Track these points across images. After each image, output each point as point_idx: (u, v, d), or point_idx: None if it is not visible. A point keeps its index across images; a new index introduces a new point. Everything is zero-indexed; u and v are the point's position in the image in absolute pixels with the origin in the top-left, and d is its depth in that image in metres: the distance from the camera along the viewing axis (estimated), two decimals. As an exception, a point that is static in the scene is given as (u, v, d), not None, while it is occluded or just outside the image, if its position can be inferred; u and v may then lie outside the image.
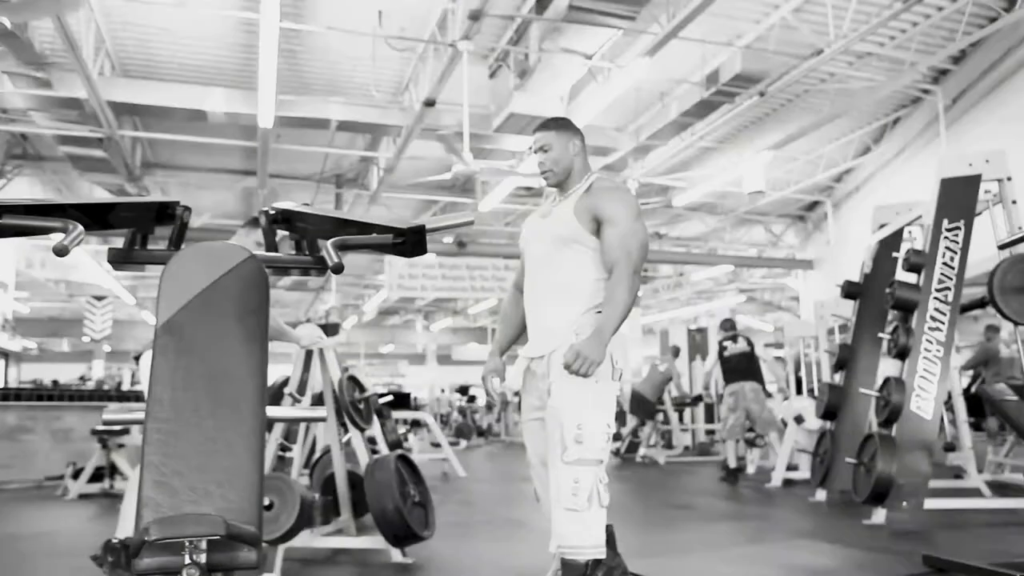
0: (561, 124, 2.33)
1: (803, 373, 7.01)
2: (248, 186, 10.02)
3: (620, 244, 2.11)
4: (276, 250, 1.63)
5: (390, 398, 5.42)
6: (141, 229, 1.56)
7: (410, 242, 1.47)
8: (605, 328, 2.05)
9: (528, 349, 2.29)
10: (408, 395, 8.33)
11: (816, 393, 6.29)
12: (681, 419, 10.63)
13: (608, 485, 2.10)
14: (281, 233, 1.63)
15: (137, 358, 3.26)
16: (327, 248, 1.40)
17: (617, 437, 9.71)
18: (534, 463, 2.26)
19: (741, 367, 7.07)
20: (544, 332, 2.22)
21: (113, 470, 6.07)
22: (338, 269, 1.39)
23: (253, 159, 9.01)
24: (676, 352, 9.50)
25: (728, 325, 7.39)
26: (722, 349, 7.26)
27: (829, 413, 5.35)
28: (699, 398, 9.68)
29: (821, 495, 5.33)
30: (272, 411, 1.50)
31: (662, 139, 8.33)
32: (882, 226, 5.51)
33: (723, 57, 7.02)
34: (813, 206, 12.22)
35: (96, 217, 1.46)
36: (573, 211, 2.20)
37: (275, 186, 9.99)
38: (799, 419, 6.37)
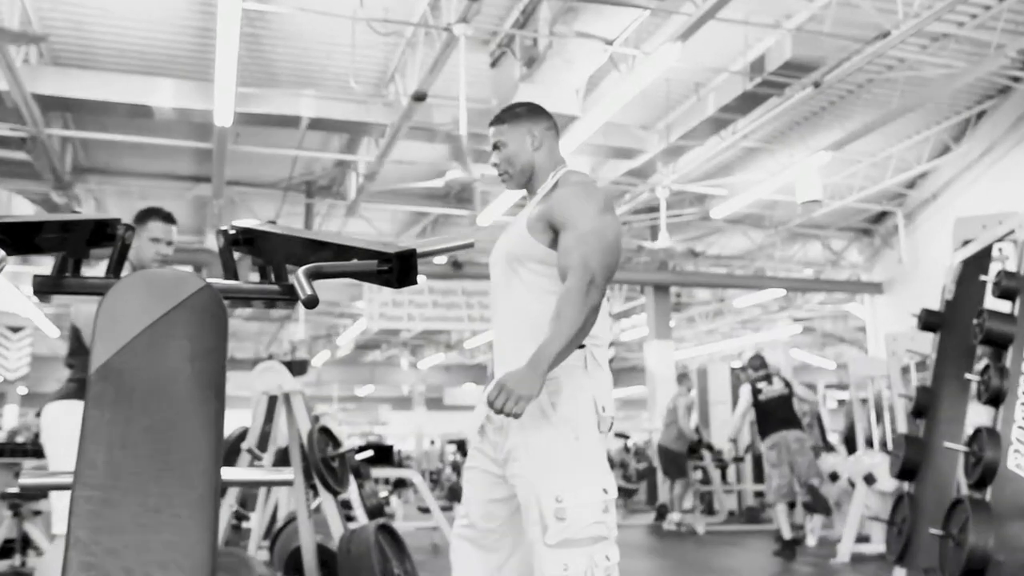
0: (514, 113, 2.33)
1: (873, 422, 6.97)
2: (201, 195, 10.09)
3: (576, 246, 2.06)
4: (236, 276, 1.64)
5: (369, 453, 5.40)
6: (73, 253, 1.57)
7: (398, 269, 1.47)
8: (542, 354, 1.96)
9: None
10: (391, 448, 8.28)
11: (890, 447, 6.24)
12: (724, 477, 10.56)
13: (618, 565, 2.02)
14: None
15: (39, 413, 3.14)
16: (298, 276, 1.41)
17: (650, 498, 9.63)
18: (466, 522, 2.21)
19: (780, 413, 7.05)
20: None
21: (26, 544, 5.94)
22: (311, 302, 1.39)
23: (207, 163, 9.08)
24: (685, 382, 9.49)
25: (758, 363, 7.39)
26: (755, 392, 7.24)
27: (907, 472, 5.30)
28: (697, 445, 9.52)
29: (900, 574, 5.26)
30: (228, 473, 1.48)
31: (697, 139, 8.37)
32: (966, 242, 5.48)
33: (770, 41, 7.07)
34: (881, 217, 12.24)
35: (17, 238, 1.47)
36: (526, 221, 2.20)
37: (233, 196, 10.06)
38: (870, 479, 6.31)
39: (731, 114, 7.73)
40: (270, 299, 1.68)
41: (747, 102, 7.46)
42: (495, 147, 2.31)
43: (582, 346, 2.12)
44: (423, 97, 6.84)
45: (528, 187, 2.32)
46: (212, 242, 10.36)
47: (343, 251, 1.54)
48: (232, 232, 1.66)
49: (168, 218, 3.16)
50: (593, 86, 7.66)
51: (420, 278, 11.47)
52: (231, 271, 1.68)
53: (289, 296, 1.64)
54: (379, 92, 7.91)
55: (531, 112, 2.34)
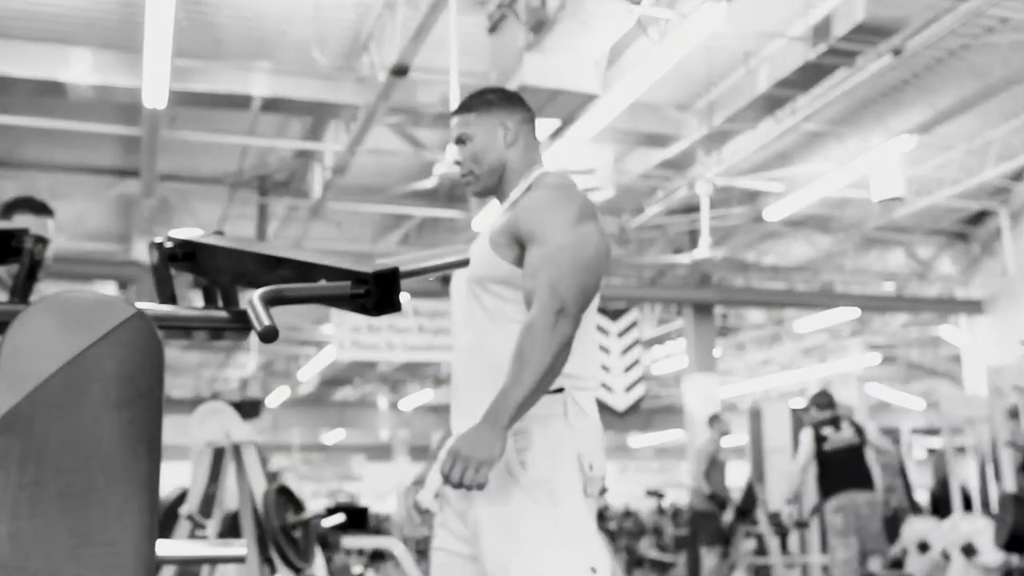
0: (484, 100, 2.38)
1: (973, 478, 6.95)
2: (126, 193, 10.14)
3: (543, 265, 2.09)
4: (173, 300, 1.66)
5: (340, 518, 5.38)
6: None
7: (376, 293, 1.49)
8: (501, 405, 1.98)
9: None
10: (365, 511, 8.27)
11: (995, 510, 6.22)
12: (785, 547, 10.52)
13: None
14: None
15: None
16: (252, 303, 1.42)
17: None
18: None
19: (849, 467, 7.02)
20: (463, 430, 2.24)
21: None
22: (269, 335, 1.40)
23: (135, 153, 9.12)
24: (718, 425, 9.41)
25: (824, 401, 7.38)
26: (819, 439, 7.22)
27: (1016, 540, 5.28)
28: (749, 506, 9.48)
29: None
30: (164, 547, 1.48)
31: (747, 121, 8.40)
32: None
33: (836, 0, 7.10)
34: (979, 218, 12.25)
35: None
36: (489, 234, 2.24)
37: (168, 194, 10.10)
38: (969, 550, 6.29)
39: (789, 90, 7.77)
40: (217, 328, 1.69)
41: (809, 75, 7.48)
42: (459, 141, 2.36)
43: (560, 390, 2.13)
44: (404, 71, 6.87)
45: (498, 192, 2.37)
46: (140, 252, 10.40)
47: (308, 269, 1.55)
48: (169, 245, 1.67)
49: (41, 209, 3.15)
50: (617, 56, 7.68)
51: (403, 298, 11.51)
52: (168, 294, 1.68)
53: (241, 325, 1.65)
54: (349, 65, 7.96)
55: (505, 100, 2.39)
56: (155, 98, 7.13)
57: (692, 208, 10.98)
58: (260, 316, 1.40)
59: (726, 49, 8.02)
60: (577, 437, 2.12)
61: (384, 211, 11.04)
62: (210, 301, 1.67)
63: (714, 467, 9.27)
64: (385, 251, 11.60)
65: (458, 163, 2.36)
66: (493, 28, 7.34)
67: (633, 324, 11.90)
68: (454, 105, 6.82)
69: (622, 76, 7.39)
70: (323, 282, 1.51)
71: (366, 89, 7.62)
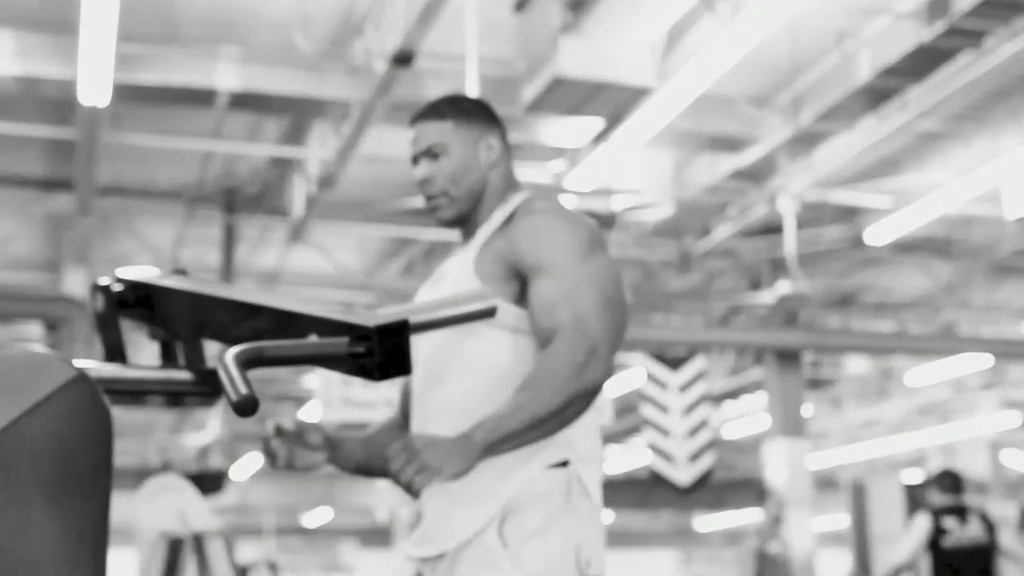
0: (462, 109, 2.49)
1: None
2: (56, 211, 10.21)
3: (564, 300, 2.19)
4: (123, 356, 1.70)
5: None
6: None
7: (380, 351, 1.53)
8: (487, 427, 2.07)
9: (415, 541, 2.36)
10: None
11: None
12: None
13: None
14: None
15: None
16: (225, 366, 1.44)
17: None
18: None
19: (972, 573, 6.96)
20: (442, 510, 2.30)
21: None
22: (246, 406, 1.43)
23: (67, 161, 9.21)
24: (771, 506, 9.29)
25: (948, 484, 7.32)
26: (938, 531, 7.15)
27: None
28: None
29: None
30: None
31: (843, 120, 8.40)
32: None
33: (958, -35, 7.12)
34: None
35: None
36: (474, 264, 2.34)
37: (109, 212, 10.19)
38: None
39: (897, 80, 7.77)
40: (179, 394, 1.73)
41: (922, 61, 7.48)
42: (427, 154, 2.44)
43: (564, 463, 2.23)
44: (408, 59, 6.93)
45: (467, 221, 2.46)
46: (73, 284, 10.46)
47: (293, 320, 1.58)
48: (117, 288, 1.70)
49: None
50: (677, 39, 7.73)
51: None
52: (116, 349, 1.71)
53: (209, 390, 1.67)
54: (339, 51, 8.05)
55: (484, 113, 2.51)
56: (94, 93, 7.21)
57: (773, 229, 10.95)
58: (235, 382, 1.41)
59: (816, 29, 8.02)
60: (578, 525, 2.19)
61: (382, 234, 11.11)
62: (169, 358, 1.71)
63: (766, 566, 9.10)
64: (384, 284, 11.68)
65: (424, 182, 2.43)
66: (520, 5, 7.40)
67: (699, 376, 11.86)
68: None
69: (683, 64, 7.43)
70: (313, 337, 1.54)
71: (360, 82, 7.69)
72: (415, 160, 2.46)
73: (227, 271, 10.63)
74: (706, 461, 11.64)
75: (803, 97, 8.54)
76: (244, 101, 7.91)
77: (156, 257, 10.74)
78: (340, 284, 12.33)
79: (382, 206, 10.31)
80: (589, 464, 2.26)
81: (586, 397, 2.12)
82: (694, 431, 11.66)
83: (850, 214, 11.07)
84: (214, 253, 10.64)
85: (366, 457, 2.52)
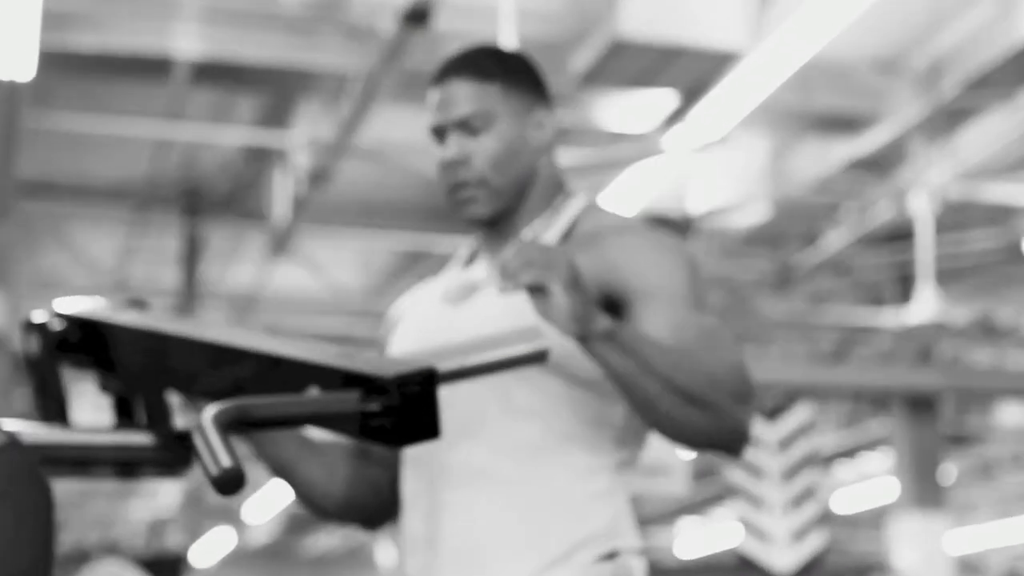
0: (510, 69, 2.41)
1: None
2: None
3: (706, 333, 2.21)
4: (63, 415, 1.72)
5: None
6: None
7: (401, 409, 1.55)
8: (633, 335, 2.09)
9: None
10: None
11: None
12: None
13: None
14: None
15: None
16: (203, 431, 1.45)
17: None
18: None
19: None
20: None
21: None
22: (231, 482, 1.44)
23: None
24: None
25: None
26: None
27: None
28: None
29: None
30: None
31: (996, 91, 8.37)
32: None
33: None
34: None
35: None
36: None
37: (35, 217, 10.25)
38: None
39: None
40: (138, 463, 1.73)
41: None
42: (462, 126, 2.37)
43: (612, 555, 2.23)
44: (425, 16, 6.95)
45: (500, 222, 2.42)
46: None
47: (286, 368, 1.60)
48: (56, 326, 1.74)
49: None
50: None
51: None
52: (55, 403, 1.75)
53: (177, 459, 1.71)
54: (334, 7, 8.07)
55: (537, 79, 2.45)
56: (15, 64, 7.22)
57: (900, 235, 10.95)
58: (215, 451, 1.42)
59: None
60: None
61: (389, 245, 11.18)
62: (125, 415, 1.75)
63: None
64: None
65: (453, 162, 2.37)
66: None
67: (803, 429, 11.83)
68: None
69: (785, 20, 7.42)
70: (314, 391, 1.56)
71: (361, 47, 7.69)
72: (441, 133, 2.39)
73: (188, 293, 10.66)
74: (813, 542, 11.60)
75: (943, 62, 8.49)
76: (210, 72, 7.93)
77: (95, 275, 10.80)
78: (335, 309, 12.35)
79: (387, 210, 10.34)
80: (640, 554, 2.27)
81: (717, 421, 2.09)
82: (797, 501, 11.62)
83: (1005, 215, 11.03)
84: (171, 270, 10.68)
85: (296, 456, 2.42)
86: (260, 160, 10.11)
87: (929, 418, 12.82)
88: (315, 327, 13.11)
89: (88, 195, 10.43)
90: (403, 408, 1.53)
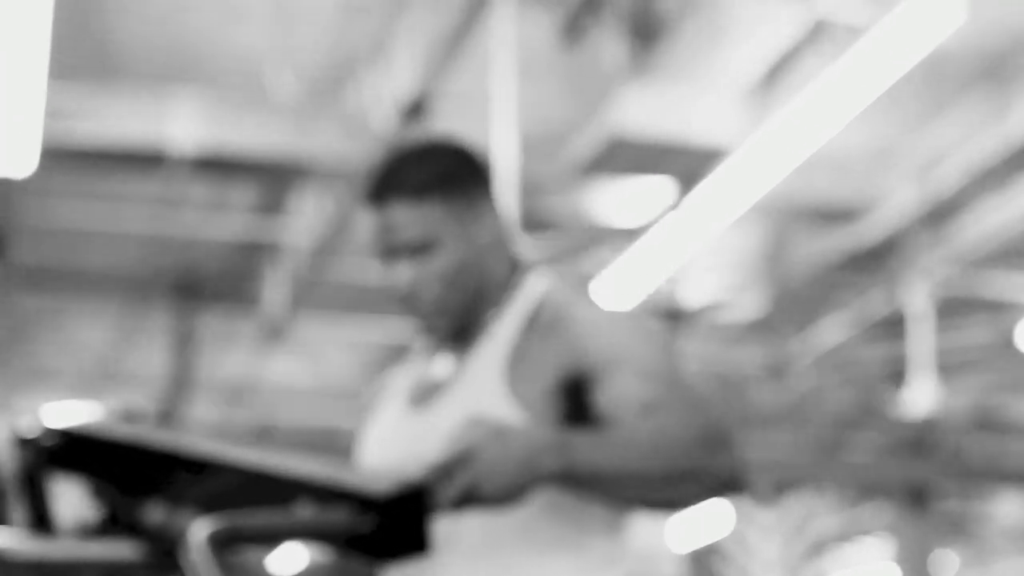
0: (447, 172, 2.34)
1: None
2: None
3: (671, 390, 2.19)
4: (48, 527, 1.74)
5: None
6: None
7: (392, 528, 1.60)
8: (581, 452, 2.03)
9: None
10: None
11: None
12: None
13: None
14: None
15: None
16: (194, 547, 1.47)
17: None
18: None
19: None
20: None
21: None
22: None
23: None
24: None
25: None
26: None
27: None
28: None
29: None
30: None
31: (988, 183, 8.35)
32: None
33: None
34: None
35: None
36: (506, 376, 2.28)
37: (26, 310, 10.22)
38: None
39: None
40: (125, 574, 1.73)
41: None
42: (411, 251, 2.31)
43: None
44: (420, 109, 6.96)
45: (461, 327, 2.38)
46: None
47: (276, 483, 1.63)
48: (47, 441, 1.73)
49: None
50: (775, 78, 7.75)
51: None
52: (41, 515, 1.75)
53: (165, 570, 1.69)
54: (331, 96, 8.13)
55: (469, 167, 2.40)
56: (16, 160, 7.26)
57: (899, 325, 10.95)
58: (209, 572, 1.45)
59: (961, 57, 8.02)
60: None
61: (387, 337, 11.15)
62: (115, 523, 1.75)
63: None
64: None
65: (409, 295, 2.31)
66: (570, 34, 7.41)
67: (801, 520, 11.82)
68: (510, 163, 6.89)
69: (780, 109, 7.46)
70: (304, 507, 1.59)
71: (357, 136, 7.75)
72: (386, 255, 2.32)
73: (181, 382, 10.63)
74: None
75: (941, 153, 8.55)
76: (205, 164, 7.93)
77: (87, 362, 10.75)
78: (328, 398, 12.33)
79: (388, 297, 10.27)
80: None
81: (708, 482, 2.09)
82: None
83: (1001, 308, 11.07)
84: (164, 358, 10.65)
85: None
86: (255, 249, 10.16)
87: (925, 512, 12.85)
88: (307, 416, 13.11)
89: (81, 283, 10.46)
90: (395, 526, 1.59)
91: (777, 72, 7.61)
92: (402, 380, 2.49)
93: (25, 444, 1.74)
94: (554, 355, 2.25)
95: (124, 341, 10.82)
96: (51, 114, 7.33)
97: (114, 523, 1.75)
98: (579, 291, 2.39)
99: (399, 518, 1.60)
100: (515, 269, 2.40)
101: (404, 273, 2.29)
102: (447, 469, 1.89)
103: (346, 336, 11.23)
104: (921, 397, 10.36)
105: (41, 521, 1.75)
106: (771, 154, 7.59)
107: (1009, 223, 8.87)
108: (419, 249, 2.29)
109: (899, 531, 12.83)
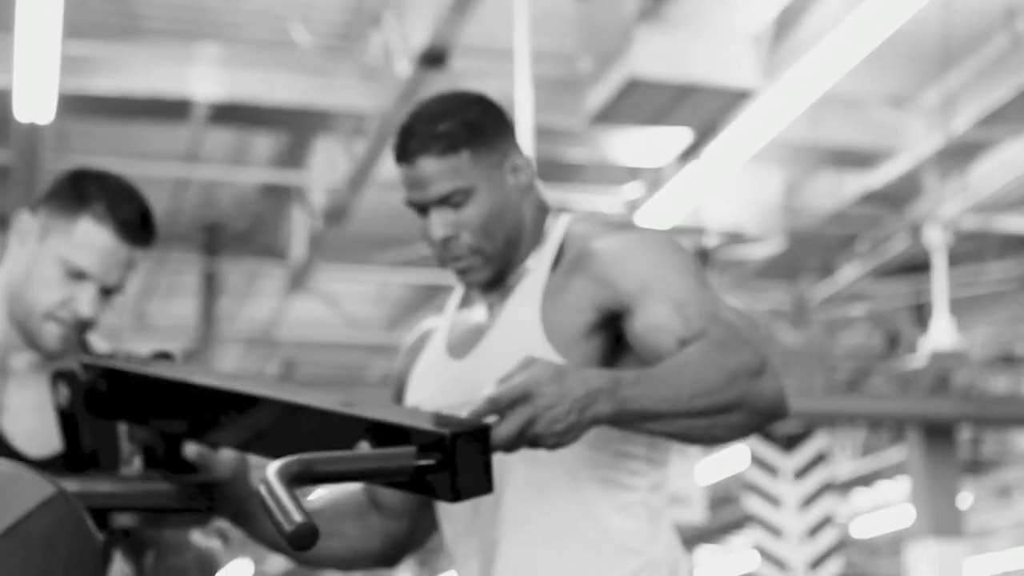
0: (473, 128, 2.37)
1: None
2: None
3: (704, 311, 2.20)
4: (95, 462, 1.79)
5: None
6: None
7: (457, 465, 1.60)
8: (638, 389, 2.02)
9: None
10: None
11: None
12: None
13: None
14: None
15: None
16: (269, 484, 1.47)
17: None
18: None
19: None
20: None
21: None
22: (304, 537, 1.44)
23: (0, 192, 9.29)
24: None
25: None
26: None
27: None
28: None
29: None
30: None
31: (1010, 124, 8.37)
32: None
33: None
34: None
35: None
36: (540, 319, 2.30)
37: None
38: None
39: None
40: (167, 512, 1.79)
41: None
42: (442, 203, 2.33)
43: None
44: (442, 57, 6.96)
45: (497, 273, 2.40)
46: None
47: (334, 423, 1.64)
48: (83, 373, 1.78)
49: (133, 230, 2.70)
50: (789, 24, 7.74)
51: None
52: (87, 452, 1.80)
53: (205, 507, 1.78)
54: (350, 48, 8.13)
55: (497, 117, 2.43)
56: (33, 106, 7.25)
57: (917, 267, 10.93)
58: (285, 508, 1.44)
59: (975, 5, 7.99)
60: None
61: (406, 279, 11.21)
62: (152, 465, 1.79)
63: None
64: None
65: (445, 239, 2.33)
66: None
67: (819, 458, 11.79)
68: (526, 111, 6.86)
69: (798, 57, 7.42)
70: (364, 446, 1.60)
71: (378, 86, 7.73)
72: (421, 208, 2.36)
73: (206, 329, 10.65)
74: (831, 569, 11.56)
75: (957, 95, 8.47)
76: (227, 113, 7.93)
77: (114, 312, 10.78)
78: (353, 343, 12.36)
79: (406, 245, 10.30)
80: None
81: (751, 413, 2.10)
82: (815, 530, 11.59)
83: (1020, 246, 11.07)
84: (189, 307, 10.67)
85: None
86: (277, 198, 10.15)
87: (946, 446, 12.77)
88: (332, 361, 13.12)
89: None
90: (459, 464, 1.58)
91: (793, 15, 7.62)
92: (440, 332, 2.50)
93: (66, 380, 1.77)
94: (586, 292, 2.26)
95: (150, 289, 10.85)
96: (76, 66, 7.36)
97: (149, 463, 1.77)
98: (604, 227, 2.38)
99: (463, 457, 1.58)
100: (544, 214, 2.43)
101: (439, 223, 2.32)
102: (505, 407, 1.86)
103: (367, 283, 11.23)
104: (941, 334, 10.31)
105: (86, 458, 1.76)
106: (788, 97, 7.55)
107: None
108: (452, 199, 2.31)
109: (917, 473, 12.78)
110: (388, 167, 8.43)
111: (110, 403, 1.80)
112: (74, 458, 1.76)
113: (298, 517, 1.41)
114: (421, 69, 7.06)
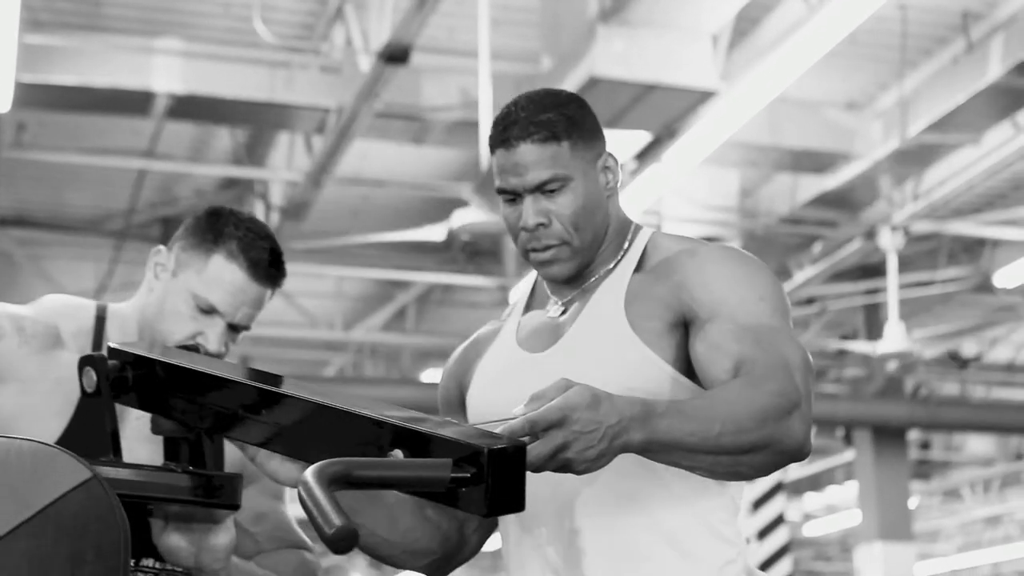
0: (577, 119, 2.39)
1: None
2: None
3: (763, 339, 2.20)
4: (118, 451, 1.80)
5: None
6: None
7: (493, 482, 1.62)
8: (666, 423, 2.01)
9: None
10: None
11: None
12: None
13: None
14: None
15: None
16: (308, 485, 1.48)
17: None
18: None
19: None
20: None
21: None
22: (344, 540, 1.46)
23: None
24: None
25: None
26: None
27: None
28: None
29: None
30: None
31: (964, 130, 8.41)
32: None
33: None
34: None
35: None
36: (628, 320, 2.33)
37: (13, 249, 10.24)
38: None
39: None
40: (188, 505, 1.81)
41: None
42: (539, 189, 2.35)
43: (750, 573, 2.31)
44: (404, 55, 7.01)
45: (581, 268, 2.41)
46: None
47: (364, 427, 1.67)
48: (113, 363, 1.80)
49: (263, 269, 2.78)
50: (747, 31, 7.82)
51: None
52: (110, 443, 1.82)
53: (224, 502, 1.78)
54: (312, 44, 8.14)
55: (594, 119, 2.44)
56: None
57: (871, 271, 11.02)
58: (325, 510, 1.46)
59: (933, 11, 8.05)
60: None
61: (366, 275, 11.17)
62: (176, 456, 1.80)
63: None
64: (368, 340, 11.61)
65: (537, 227, 2.33)
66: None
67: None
68: (485, 109, 6.87)
69: (756, 60, 7.47)
70: (397, 454, 1.63)
71: (339, 82, 7.73)
72: (512, 195, 2.36)
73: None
74: (781, 570, 11.59)
75: (912, 100, 8.49)
76: (186, 108, 7.92)
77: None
78: (311, 342, 12.41)
79: (365, 241, 10.35)
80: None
81: (776, 454, 2.09)
82: (764, 532, 11.59)
83: (973, 251, 11.09)
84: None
85: (357, 505, 2.30)
86: (236, 193, 10.12)
87: (896, 449, 12.84)
88: (289, 357, 13.05)
89: (66, 228, 10.43)
90: (495, 480, 1.59)
91: (752, 18, 7.67)
92: (505, 329, 2.50)
93: (95, 366, 1.77)
94: (667, 296, 2.29)
95: (108, 284, 10.79)
96: (36, 57, 7.34)
97: (170, 456, 1.78)
98: (690, 241, 2.39)
99: (499, 473, 1.58)
100: (628, 223, 2.45)
101: (533, 210, 2.32)
102: (540, 428, 1.84)
103: (326, 279, 11.23)
104: (895, 338, 10.31)
105: (107, 445, 1.77)
106: (745, 99, 7.57)
107: (979, 169, 8.92)
108: (549, 187, 2.32)
109: (865, 476, 12.81)
110: (348, 163, 8.51)
111: (136, 391, 1.83)
112: (98, 447, 1.76)
113: (338, 520, 1.42)
114: (383, 65, 7.01)
